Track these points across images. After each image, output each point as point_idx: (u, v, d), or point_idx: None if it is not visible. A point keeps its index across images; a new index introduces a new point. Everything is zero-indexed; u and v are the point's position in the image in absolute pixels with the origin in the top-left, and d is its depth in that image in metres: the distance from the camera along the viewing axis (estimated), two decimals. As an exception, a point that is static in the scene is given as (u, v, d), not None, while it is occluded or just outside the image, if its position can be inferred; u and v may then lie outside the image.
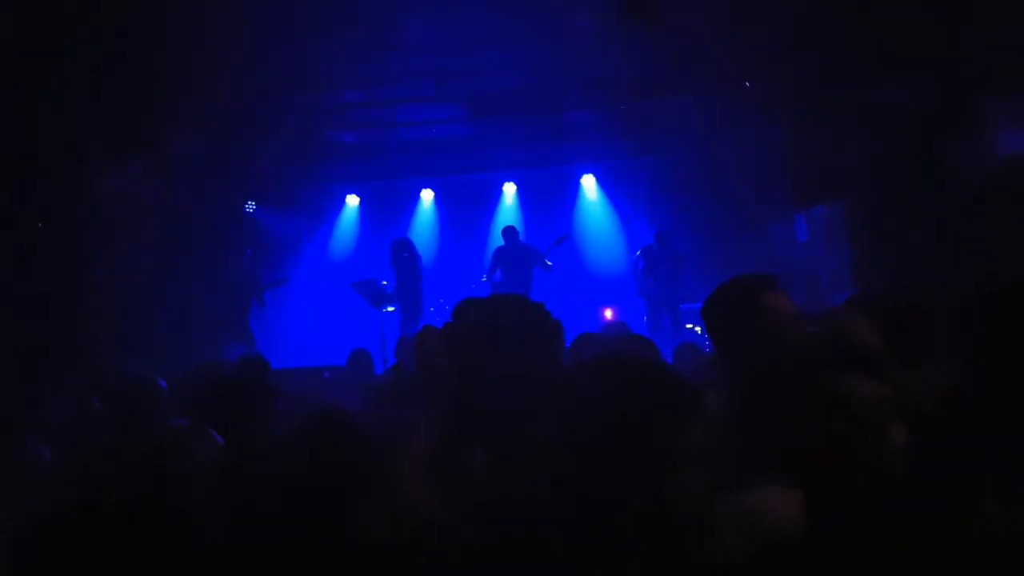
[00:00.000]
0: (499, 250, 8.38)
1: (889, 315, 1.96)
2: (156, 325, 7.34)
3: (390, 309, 8.16)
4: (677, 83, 7.22)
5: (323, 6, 5.32)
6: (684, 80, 7.15)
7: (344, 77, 6.57)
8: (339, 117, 7.98)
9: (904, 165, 5.68)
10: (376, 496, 1.30)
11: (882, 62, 5.47)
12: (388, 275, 7.98)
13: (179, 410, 2.67)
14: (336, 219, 10.42)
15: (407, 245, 8.01)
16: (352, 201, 10.30)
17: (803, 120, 7.26)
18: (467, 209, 10.13)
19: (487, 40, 5.92)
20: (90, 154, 6.62)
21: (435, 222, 10.39)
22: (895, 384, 1.13)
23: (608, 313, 8.96)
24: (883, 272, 5.87)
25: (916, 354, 1.50)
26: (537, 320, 1.64)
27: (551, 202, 10.03)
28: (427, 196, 10.32)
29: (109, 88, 5.57)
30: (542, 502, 1.24)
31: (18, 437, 2.38)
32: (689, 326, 7.84)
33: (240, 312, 7.70)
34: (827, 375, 1.22)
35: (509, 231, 8.41)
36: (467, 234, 10.08)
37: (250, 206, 9.25)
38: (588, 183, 10.14)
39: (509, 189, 10.22)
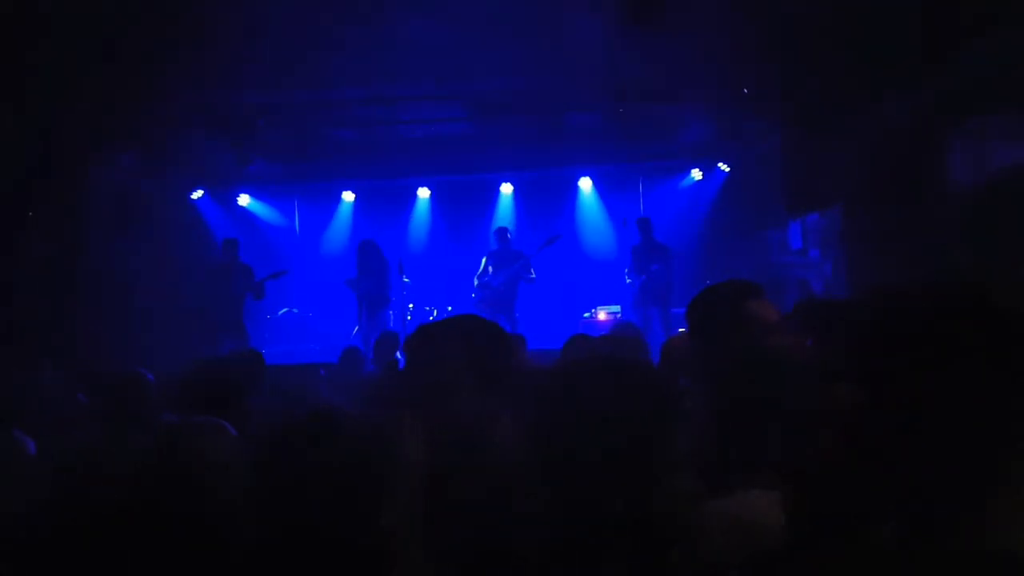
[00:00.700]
0: (490, 253, 8.42)
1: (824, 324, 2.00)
2: (147, 318, 7.32)
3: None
4: (676, 88, 7.23)
5: (323, 1, 5.31)
6: (683, 86, 7.17)
7: (343, 74, 6.56)
8: (337, 113, 7.96)
9: (898, 175, 5.70)
10: (368, 496, 1.30)
11: (878, 72, 5.49)
12: (353, 275, 8.05)
13: (169, 404, 2.66)
14: (332, 215, 10.40)
15: (373, 247, 8.06)
16: (348, 197, 10.28)
17: (799, 128, 7.28)
18: (463, 209, 10.14)
19: (487, 40, 5.92)
20: (81, 145, 6.59)
21: (431, 221, 10.39)
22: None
23: (602, 315, 8.99)
24: (875, 281, 5.89)
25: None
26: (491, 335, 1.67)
27: (548, 204, 10.04)
28: (424, 194, 10.32)
29: (103, 80, 5.55)
30: (528, 506, 1.24)
31: (3, 430, 2.36)
32: (681, 331, 7.84)
33: (234, 307, 7.66)
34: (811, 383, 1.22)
35: (500, 233, 8.42)
36: (463, 234, 10.08)
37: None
38: (585, 185, 10.16)
39: (506, 190, 10.23)
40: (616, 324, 4.96)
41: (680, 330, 7.77)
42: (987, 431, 0.83)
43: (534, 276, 8.17)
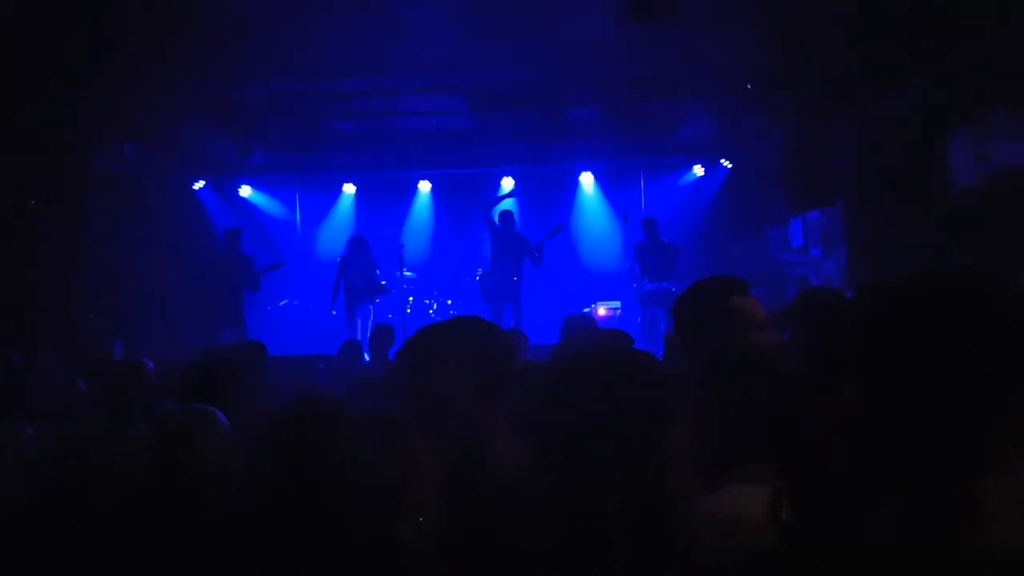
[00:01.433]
0: (494, 233, 8.33)
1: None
2: (147, 308, 7.33)
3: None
4: (678, 84, 7.22)
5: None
6: (685, 81, 7.15)
7: (345, 65, 6.54)
8: (339, 105, 7.94)
9: (900, 173, 5.70)
10: (366, 490, 1.29)
11: (881, 70, 5.48)
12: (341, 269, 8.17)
13: (169, 393, 2.67)
14: (332, 207, 10.39)
15: (362, 242, 8.21)
16: (348, 190, 10.27)
17: (801, 125, 7.27)
18: (464, 202, 10.12)
19: (490, 32, 5.90)
20: (85, 136, 6.58)
21: (432, 214, 10.37)
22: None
23: (602, 310, 8.99)
24: (875, 279, 5.88)
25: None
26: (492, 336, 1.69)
27: (549, 198, 10.03)
28: (424, 188, 10.30)
29: (104, 70, 5.54)
30: (526, 502, 1.24)
31: (3, 417, 2.37)
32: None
33: (234, 298, 7.66)
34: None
35: (506, 215, 8.34)
36: (463, 228, 10.06)
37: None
38: (586, 180, 10.14)
39: (507, 183, 10.20)
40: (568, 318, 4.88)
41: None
42: (986, 428, 0.83)
43: (539, 256, 8.08)
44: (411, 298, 9.07)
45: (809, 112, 6.89)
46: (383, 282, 8.28)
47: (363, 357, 5.77)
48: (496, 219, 8.24)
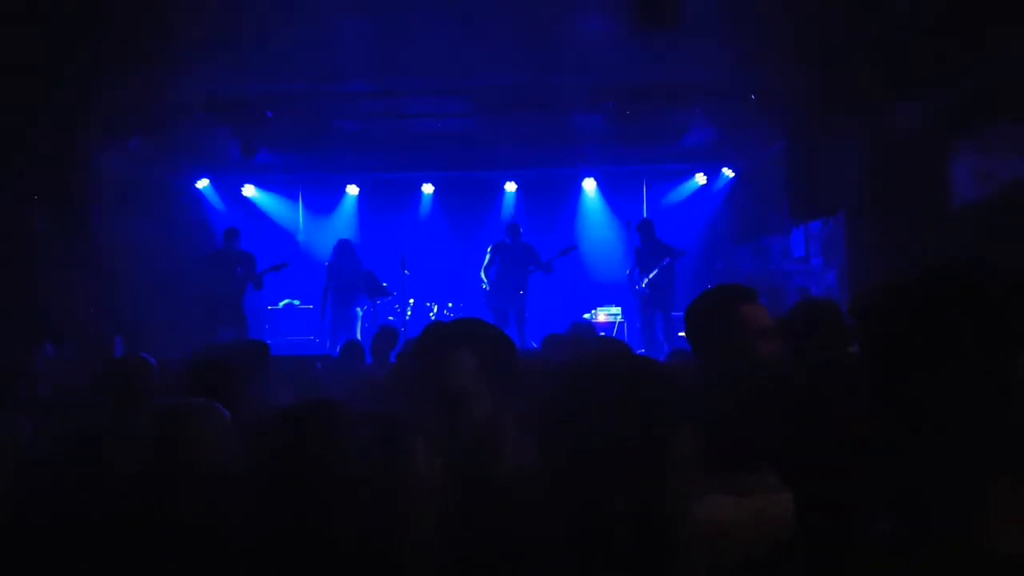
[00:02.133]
0: (498, 245, 8.36)
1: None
2: (149, 304, 7.32)
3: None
4: (682, 92, 7.23)
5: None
6: (689, 90, 7.17)
7: (350, 66, 6.55)
8: (344, 106, 7.95)
9: (902, 184, 5.70)
10: (367, 491, 1.29)
11: (884, 81, 5.49)
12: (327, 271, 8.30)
13: (171, 389, 2.66)
14: (335, 208, 10.40)
15: (348, 246, 8.39)
16: (352, 191, 10.28)
17: (804, 134, 7.29)
18: (467, 205, 10.13)
19: (495, 35, 5.91)
20: (88, 131, 6.59)
21: (434, 217, 10.38)
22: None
23: (602, 316, 8.99)
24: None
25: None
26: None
27: (551, 203, 10.04)
28: (427, 190, 10.31)
29: (110, 67, 5.55)
30: (533, 502, 1.23)
31: (2, 411, 2.36)
32: (681, 334, 7.84)
33: (234, 296, 7.67)
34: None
35: (513, 228, 8.40)
36: (465, 231, 10.07)
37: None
38: (589, 186, 10.15)
39: (510, 188, 10.22)
40: (575, 325, 4.94)
41: (680, 334, 7.79)
42: (986, 430, 0.83)
43: (551, 267, 8.16)
44: (412, 300, 9.06)
45: (812, 123, 6.90)
46: (384, 283, 8.28)
47: (365, 358, 5.76)
48: (506, 234, 8.37)
